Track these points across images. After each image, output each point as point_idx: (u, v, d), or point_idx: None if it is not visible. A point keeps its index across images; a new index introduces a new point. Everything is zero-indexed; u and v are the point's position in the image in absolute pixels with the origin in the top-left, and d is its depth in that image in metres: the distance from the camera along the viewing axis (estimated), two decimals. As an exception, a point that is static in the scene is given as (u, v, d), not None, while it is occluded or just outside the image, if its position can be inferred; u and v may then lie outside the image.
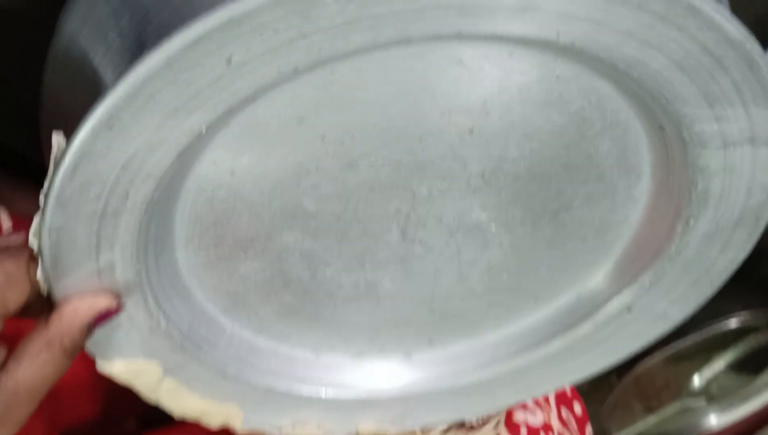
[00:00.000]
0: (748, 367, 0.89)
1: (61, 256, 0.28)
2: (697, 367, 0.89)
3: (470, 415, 0.44)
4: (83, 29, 0.29)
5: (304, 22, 0.22)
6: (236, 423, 0.40)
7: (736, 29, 0.24)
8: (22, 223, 0.41)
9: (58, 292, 0.29)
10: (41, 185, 0.26)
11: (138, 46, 0.27)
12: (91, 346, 0.32)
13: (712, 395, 0.91)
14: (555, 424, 0.52)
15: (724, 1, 0.28)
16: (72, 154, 0.24)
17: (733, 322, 0.80)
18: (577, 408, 0.55)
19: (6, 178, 0.49)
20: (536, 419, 0.51)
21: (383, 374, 0.42)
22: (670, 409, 0.90)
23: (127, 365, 0.34)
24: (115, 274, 0.30)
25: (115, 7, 0.27)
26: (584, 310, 0.40)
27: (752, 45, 0.24)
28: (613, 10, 0.23)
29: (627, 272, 0.37)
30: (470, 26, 0.23)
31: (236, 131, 0.28)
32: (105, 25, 0.28)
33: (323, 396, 0.41)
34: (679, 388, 0.91)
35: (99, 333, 0.32)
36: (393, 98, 0.28)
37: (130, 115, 0.24)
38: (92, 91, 0.31)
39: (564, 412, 0.54)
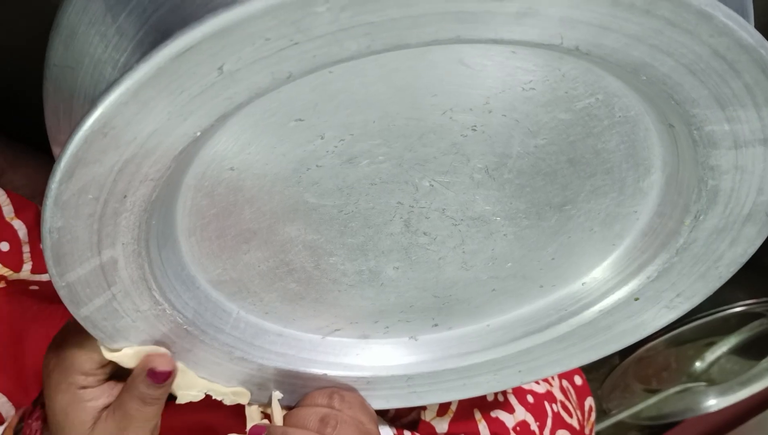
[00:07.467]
0: (750, 352, 0.89)
1: (64, 253, 0.28)
2: (700, 351, 0.89)
3: (477, 394, 0.44)
4: (81, 24, 0.28)
5: (295, 31, 0.21)
6: (244, 402, 0.41)
7: (749, 34, 0.23)
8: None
9: (64, 287, 0.29)
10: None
11: (137, 44, 0.26)
12: (97, 332, 0.33)
13: (713, 378, 0.91)
14: (557, 394, 0.52)
15: (747, 7, 0.27)
16: (67, 161, 0.24)
17: (737, 309, 0.80)
18: (578, 380, 0.56)
19: (8, 145, 0.49)
20: (540, 388, 0.52)
21: (389, 355, 0.43)
22: (671, 391, 0.90)
23: (135, 350, 0.34)
24: (118, 268, 0.30)
25: (111, 4, 0.27)
26: (590, 297, 0.39)
27: (766, 49, 0.23)
28: (620, 15, 0.22)
29: (634, 263, 0.37)
30: (469, 32, 0.22)
31: (233, 131, 0.28)
32: (103, 21, 0.27)
33: (330, 375, 0.42)
34: (681, 371, 0.91)
35: (105, 321, 0.32)
36: (393, 97, 0.27)
37: (124, 122, 0.23)
38: (93, 84, 0.30)
39: (564, 383, 0.55)
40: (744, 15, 0.30)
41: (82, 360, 0.34)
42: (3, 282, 0.44)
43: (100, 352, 0.33)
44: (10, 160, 0.47)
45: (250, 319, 0.39)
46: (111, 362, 0.34)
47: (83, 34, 0.27)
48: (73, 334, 0.34)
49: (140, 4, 0.26)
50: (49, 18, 0.30)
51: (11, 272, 0.44)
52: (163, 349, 0.35)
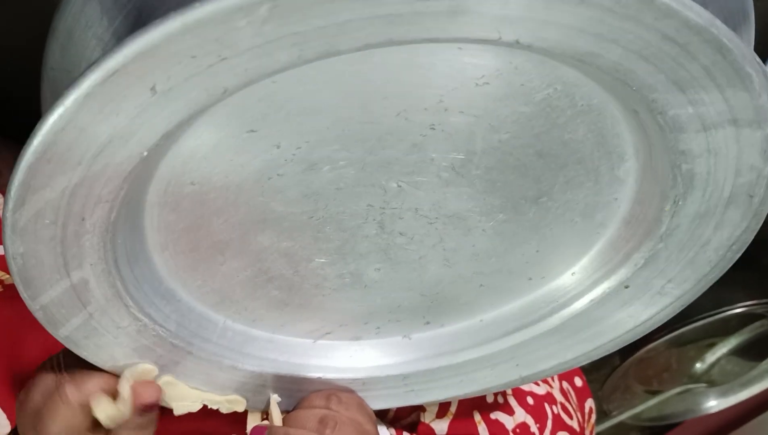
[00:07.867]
0: (751, 353, 0.87)
1: (32, 277, 0.28)
2: (700, 352, 0.87)
3: (476, 390, 0.44)
4: (77, 27, 0.28)
5: (220, 47, 0.21)
6: (240, 409, 0.41)
7: (697, 15, 0.22)
8: None
9: (38, 310, 0.30)
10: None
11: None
12: (81, 351, 0.33)
13: (714, 379, 0.89)
14: (557, 395, 0.51)
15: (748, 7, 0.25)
16: (16, 189, 0.24)
17: (737, 310, 0.78)
18: (578, 381, 0.55)
19: (6, 147, 0.49)
20: (540, 389, 0.51)
21: (382, 355, 0.42)
22: (671, 392, 0.89)
23: (112, 400, 0.34)
24: (90, 288, 0.30)
25: (107, 7, 0.26)
26: (581, 287, 0.38)
27: (718, 29, 0.22)
28: (555, 7, 0.21)
29: (620, 252, 0.36)
30: (401, 34, 0.22)
31: (188, 146, 0.27)
32: (99, 24, 0.27)
33: (324, 378, 0.42)
34: (682, 372, 0.89)
35: (86, 339, 0.33)
36: (343, 103, 0.27)
37: (65, 148, 0.23)
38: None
39: (565, 385, 0.54)
40: (744, 15, 0.28)
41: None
42: (0, 286, 0.45)
43: (80, 424, 0.34)
44: (9, 162, 0.47)
45: (238, 327, 0.39)
46: (93, 419, 0.34)
47: (80, 37, 0.27)
48: (47, 415, 0.34)
49: (136, 7, 0.26)
50: (49, 18, 0.30)
51: (9, 277, 0.44)
52: (145, 366, 0.35)
